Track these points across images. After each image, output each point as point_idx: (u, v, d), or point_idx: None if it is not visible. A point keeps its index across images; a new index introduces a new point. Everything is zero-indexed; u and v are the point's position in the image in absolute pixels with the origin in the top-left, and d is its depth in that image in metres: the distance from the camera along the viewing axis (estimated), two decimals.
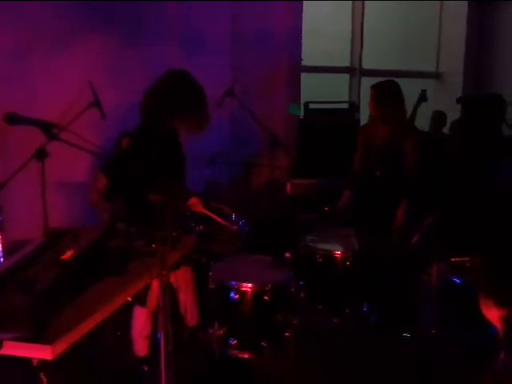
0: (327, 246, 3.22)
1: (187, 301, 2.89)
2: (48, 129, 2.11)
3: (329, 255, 3.16)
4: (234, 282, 2.63)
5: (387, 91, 3.43)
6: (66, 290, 1.69)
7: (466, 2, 6.56)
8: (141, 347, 2.70)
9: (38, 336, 1.45)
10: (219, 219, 2.86)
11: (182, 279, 2.75)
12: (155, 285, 2.37)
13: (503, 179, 3.50)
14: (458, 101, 4.33)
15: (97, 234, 2.05)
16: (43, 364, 1.59)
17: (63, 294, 1.66)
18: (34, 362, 1.59)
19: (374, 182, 3.46)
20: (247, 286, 2.61)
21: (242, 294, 2.62)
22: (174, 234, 2.35)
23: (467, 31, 6.62)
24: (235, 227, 2.97)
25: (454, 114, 5.33)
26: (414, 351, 2.91)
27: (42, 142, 2.53)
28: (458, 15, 6.65)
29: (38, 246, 2.02)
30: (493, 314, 1.37)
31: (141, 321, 2.68)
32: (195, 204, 2.80)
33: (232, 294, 2.62)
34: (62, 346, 1.47)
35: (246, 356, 2.63)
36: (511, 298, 1.34)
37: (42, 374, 1.68)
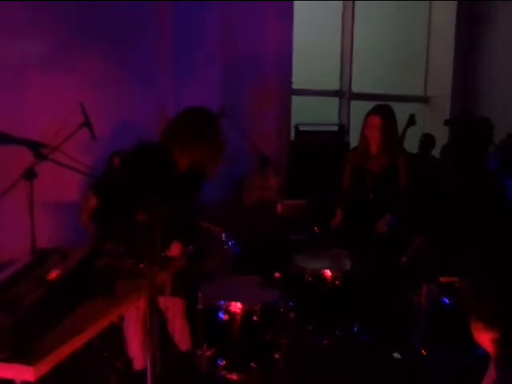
0: (317, 266, 3.22)
1: (176, 329, 2.83)
2: (37, 149, 2.11)
3: (318, 275, 3.15)
4: (222, 302, 2.62)
5: (391, 119, 3.43)
6: (50, 310, 1.67)
7: (453, 26, 6.70)
8: (138, 358, 2.63)
9: (20, 357, 1.43)
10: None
11: (171, 309, 2.72)
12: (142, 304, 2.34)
13: (491, 200, 3.54)
14: (445, 123, 4.40)
15: (84, 253, 2.04)
16: None
17: (48, 314, 1.64)
18: None
19: (367, 203, 3.47)
20: (236, 306, 2.60)
21: (231, 314, 2.60)
22: (163, 254, 2.35)
23: (455, 55, 6.77)
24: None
25: (442, 136, 5.42)
26: (405, 371, 2.89)
27: (31, 161, 2.53)
28: (446, 39, 6.80)
29: (24, 265, 2.00)
30: (484, 338, 1.36)
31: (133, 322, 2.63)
32: (174, 251, 2.79)
33: (221, 314, 2.60)
34: (45, 367, 1.45)
35: (235, 377, 2.60)
36: (501, 320, 1.33)
37: None
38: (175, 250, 2.81)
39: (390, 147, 3.41)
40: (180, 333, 2.83)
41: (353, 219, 3.58)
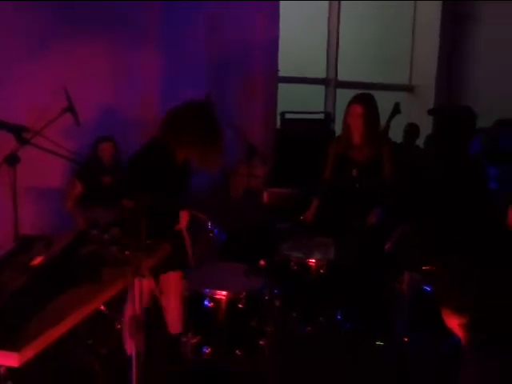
0: (302, 254, 3.23)
1: (173, 307, 2.81)
2: (19, 133, 2.08)
3: (303, 263, 3.17)
4: (208, 290, 2.62)
5: (374, 108, 3.41)
6: (34, 296, 1.66)
7: (439, 17, 6.75)
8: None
9: (4, 343, 1.42)
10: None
11: (170, 284, 2.71)
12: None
13: (476, 191, 3.58)
14: (429, 112, 4.43)
15: (68, 240, 2.02)
16: (10, 371, 1.55)
17: (31, 300, 1.63)
18: (1, 370, 1.56)
19: (352, 193, 3.47)
20: (221, 294, 2.61)
21: (217, 301, 2.60)
22: (148, 241, 2.34)
23: (439, 45, 6.81)
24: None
25: (426, 126, 5.46)
26: (388, 359, 2.94)
27: (13, 146, 2.49)
28: (431, 29, 6.84)
29: (8, 252, 1.98)
30: (453, 323, 1.39)
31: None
32: (183, 218, 2.82)
33: (206, 302, 2.61)
34: (29, 353, 1.44)
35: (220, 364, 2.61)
36: (468, 305, 1.35)
37: (9, 381, 1.63)
38: (184, 218, 2.82)
39: (373, 136, 3.41)
40: (176, 312, 2.80)
41: (337, 209, 3.59)
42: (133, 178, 2.64)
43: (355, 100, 3.43)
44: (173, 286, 2.72)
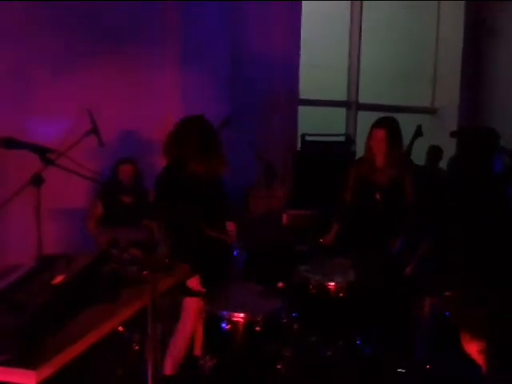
0: (321, 277, 3.20)
1: (197, 330, 2.81)
2: (43, 154, 2.13)
3: (322, 286, 3.14)
4: (225, 312, 2.61)
5: (397, 132, 3.38)
6: (54, 314, 1.67)
7: (461, 38, 6.71)
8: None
9: (22, 360, 1.43)
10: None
11: (191, 308, 2.74)
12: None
13: (496, 212, 3.52)
14: (452, 135, 4.39)
15: (90, 259, 2.05)
16: None
17: (51, 318, 1.65)
18: None
19: (376, 217, 3.42)
20: (239, 316, 2.59)
21: (234, 324, 2.59)
22: (167, 260, 2.36)
23: (462, 67, 6.76)
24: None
25: (449, 148, 5.40)
26: None
27: (38, 167, 2.56)
28: (454, 51, 6.80)
29: (29, 269, 2.01)
30: (472, 348, 1.36)
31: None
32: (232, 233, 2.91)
33: (223, 324, 2.60)
34: (46, 372, 1.45)
35: None
36: (486, 330, 1.33)
37: None
38: (231, 228, 2.91)
39: (396, 160, 3.37)
40: (199, 334, 2.81)
41: (358, 231, 3.54)
42: (157, 197, 2.71)
43: (378, 124, 3.40)
44: (193, 309, 2.75)
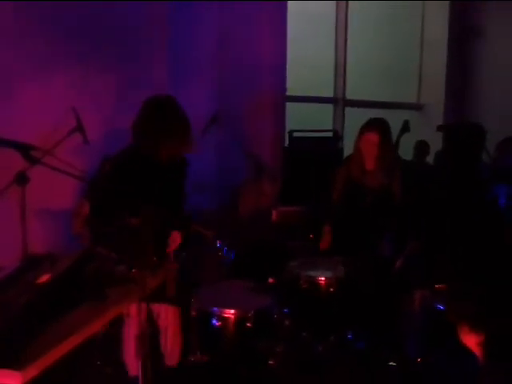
0: (311, 273, 3.19)
1: (169, 341, 2.69)
2: (26, 151, 2.09)
3: (313, 281, 3.13)
4: (215, 309, 2.59)
5: (389, 135, 3.29)
6: (38, 314, 1.64)
7: (446, 37, 6.77)
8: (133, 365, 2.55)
9: (7, 361, 1.40)
10: None
11: (167, 319, 2.66)
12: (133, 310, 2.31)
13: (484, 207, 3.54)
14: (439, 128, 4.40)
15: (74, 258, 2.01)
16: None
17: (36, 318, 1.61)
18: None
19: (365, 219, 3.39)
20: (229, 313, 2.57)
21: (225, 320, 2.57)
22: (155, 259, 2.33)
23: (448, 63, 6.82)
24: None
25: (435, 144, 5.44)
26: (400, 379, 2.86)
27: (22, 166, 2.51)
28: (439, 47, 6.86)
29: (14, 270, 1.97)
30: (470, 341, 1.36)
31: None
32: (175, 239, 2.76)
33: (214, 321, 2.57)
34: (32, 372, 1.42)
35: None
36: (486, 322, 1.33)
37: None
38: (176, 238, 2.74)
39: (387, 163, 3.30)
40: (171, 346, 2.69)
41: (348, 230, 3.51)
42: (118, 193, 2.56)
43: (370, 127, 3.28)
44: (170, 320, 2.64)
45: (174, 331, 2.69)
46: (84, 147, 3.12)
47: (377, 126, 3.29)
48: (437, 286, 2.79)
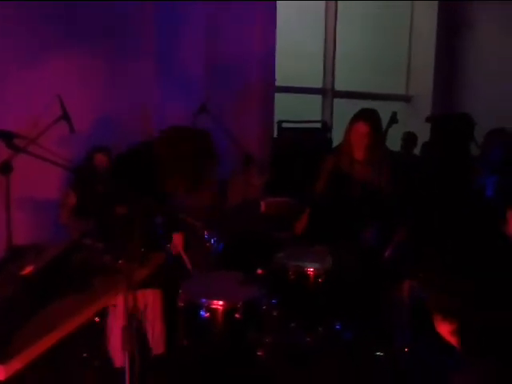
0: (300, 263, 3.19)
1: (154, 327, 2.69)
2: (9, 139, 2.04)
3: (301, 272, 3.12)
4: (204, 300, 2.57)
5: (379, 126, 3.26)
6: (23, 306, 1.61)
7: (434, 29, 6.77)
8: (118, 356, 2.53)
9: None
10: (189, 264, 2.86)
11: (150, 302, 2.64)
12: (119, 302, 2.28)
13: (471, 198, 3.55)
14: (427, 120, 4.41)
15: (59, 249, 1.98)
16: None
17: (20, 310, 1.58)
18: None
19: (352, 206, 3.38)
20: (218, 304, 2.56)
21: (213, 311, 2.55)
22: (142, 250, 2.30)
23: (436, 55, 6.83)
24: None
25: (423, 136, 5.45)
26: (388, 369, 2.88)
27: (6, 155, 2.46)
28: (427, 39, 6.86)
29: None
30: (444, 329, 1.36)
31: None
32: (177, 245, 2.78)
33: (202, 312, 2.56)
34: (16, 365, 1.39)
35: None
36: (457, 311, 1.33)
37: None
38: (178, 241, 2.77)
39: (377, 155, 3.27)
40: (157, 334, 2.69)
41: (335, 220, 3.50)
42: (121, 177, 2.50)
43: (360, 118, 3.25)
44: (152, 303, 2.65)
45: (154, 314, 2.67)
46: (70, 136, 3.06)
47: (367, 116, 3.26)
48: (422, 275, 2.80)
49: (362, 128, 3.22)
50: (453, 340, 1.35)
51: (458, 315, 1.32)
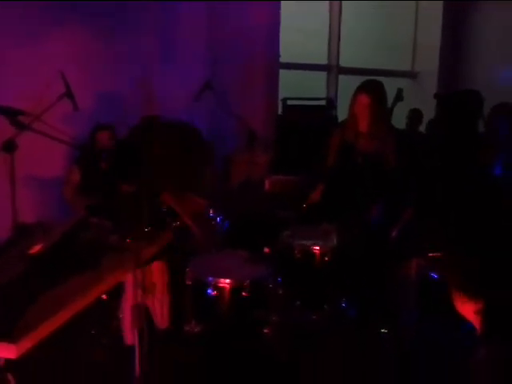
0: (305, 242, 3.18)
1: (160, 301, 2.71)
2: (14, 116, 2.01)
3: (307, 251, 3.12)
4: (211, 278, 2.57)
5: (381, 97, 3.22)
6: (33, 285, 1.60)
7: (441, 3, 6.64)
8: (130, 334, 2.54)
9: (2, 333, 1.37)
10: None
11: (155, 276, 2.65)
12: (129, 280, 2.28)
13: (480, 176, 3.52)
14: (435, 96, 4.33)
15: (67, 227, 1.97)
16: (9, 363, 1.50)
17: (30, 289, 1.58)
18: (1, 362, 1.51)
19: (357, 180, 3.37)
20: (225, 282, 2.56)
21: (220, 290, 2.56)
22: (149, 228, 2.29)
23: (442, 32, 6.71)
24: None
25: (429, 112, 5.39)
26: (393, 346, 2.90)
27: (11, 133, 2.43)
28: (433, 16, 6.74)
29: (6, 240, 1.92)
30: (467, 309, 1.35)
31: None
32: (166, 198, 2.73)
33: (209, 291, 2.56)
34: (27, 344, 1.39)
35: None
36: (484, 291, 1.32)
37: (8, 373, 1.58)
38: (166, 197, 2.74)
39: (380, 126, 3.26)
40: (162, 306, 2.73)
41: (340, 196, 3.50)
42: (132, 160, 2.50)
43: (362, 89, 3.24)
44: (158, 277, 2.65)
45: (163, 290, 2.69)
46: (74, 113, 3.02)
47: (370, 88, 3.25)
48: (430, 254, 2.80)
49: (365, 99, 3.21)
50: (476, 320, 1.34)
51: (486, 296, 1.31)
